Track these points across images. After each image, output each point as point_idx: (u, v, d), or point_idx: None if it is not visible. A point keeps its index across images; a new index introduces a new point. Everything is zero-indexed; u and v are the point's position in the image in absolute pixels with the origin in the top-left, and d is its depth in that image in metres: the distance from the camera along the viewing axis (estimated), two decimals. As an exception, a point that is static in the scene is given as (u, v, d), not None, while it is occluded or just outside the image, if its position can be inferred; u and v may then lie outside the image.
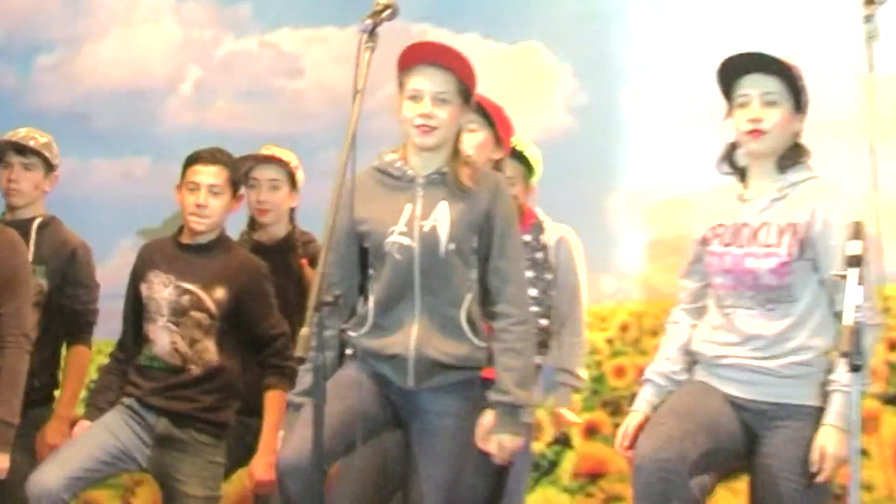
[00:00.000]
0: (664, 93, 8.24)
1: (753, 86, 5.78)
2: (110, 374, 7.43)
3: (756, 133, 5.68)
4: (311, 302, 5.20)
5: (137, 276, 7.29)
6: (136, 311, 7.24)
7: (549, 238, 6.98)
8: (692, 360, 5.98)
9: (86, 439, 7.10)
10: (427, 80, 5.81)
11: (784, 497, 5.65)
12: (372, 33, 5.41)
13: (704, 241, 5.86)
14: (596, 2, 9.00)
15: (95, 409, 7.31)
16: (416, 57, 5.82)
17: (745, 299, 5.76)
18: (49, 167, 7.82)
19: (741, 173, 5.88)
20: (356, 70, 5.38)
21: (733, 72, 5.85)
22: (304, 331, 5.14)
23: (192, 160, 7.26)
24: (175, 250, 7.24)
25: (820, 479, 5.54)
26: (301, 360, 5.23)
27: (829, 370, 5.61)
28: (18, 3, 9.37)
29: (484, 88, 7.70)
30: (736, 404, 5.78)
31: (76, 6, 9.25)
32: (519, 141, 7.13)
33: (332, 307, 5.21)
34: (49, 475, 6.80)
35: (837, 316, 5.29)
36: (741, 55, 5.88)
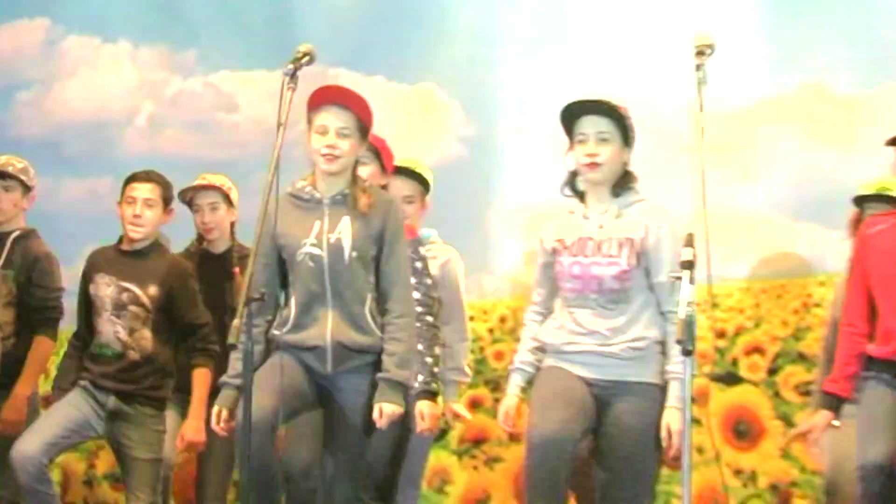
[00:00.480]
0: (536, 126, 8.18)
1: (590, 125, 5.92)
2: (69, 359, 7.55)
3: (593, 165, 5.87)
4: (241, 298, 5.45)
5: (86, 278, 7.45)
6: (87, 307, 7.41)
7: (438, 257, 7.12)
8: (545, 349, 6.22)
9: (55, 413, 7.27)
10: (332, 117, 5.94)
11: (624, 457, 5.80)
12: (293, 76, 5.71)
13: (554, 252, 6.04)
14: (481, 50, 8.85)
15: (60, 390, 7.47)
16: (323, 98, 5.96)
17: (589, 300, 5.92)
18: (26, 188, 7.95)
19: (580, 196, 6.04)
20: (280, 106, 5.65)
21: (573, 114, 6.00)
22: (236, 322, 5.40)
23: (130, 179, 7.42)
24: (116, 255, 7.40)
25: (672, 452, 5.74)
26: (233, 347, 5.49)
27: (662, 355, 5.88)
28: (2, 47, 9.34)
29: (388, 122, 8.30)
30: (586, 382, 5.90)
31: (49, 51, 9.30)
32: (416, 163, 7.28)
33: (260, 303, 5.50)
34: (29, 443, 6.97)
35: (662, 314, 5.91)
36: (579, 100, 6.04)
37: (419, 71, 8.95)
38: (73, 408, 7.27)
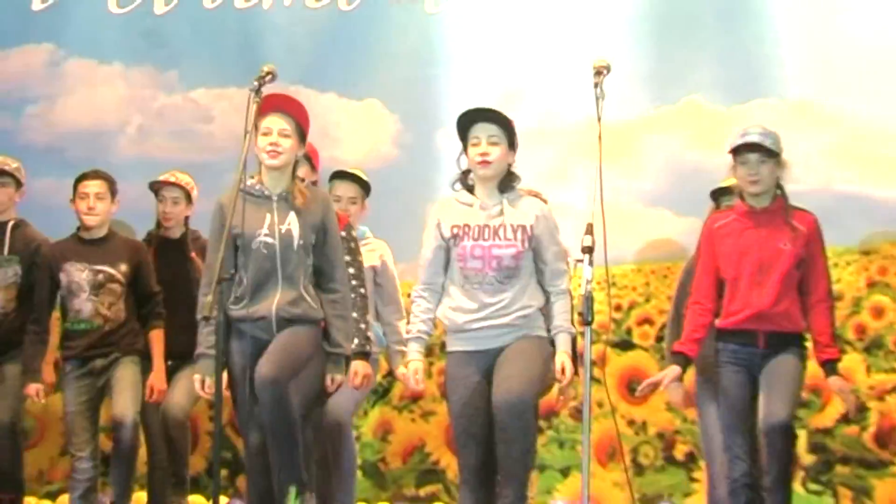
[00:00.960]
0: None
1: (482, 130, 6.02)
2: (35, 344, 7.51)
3: (484, 163, 5.99)
4: (214, 278, 5.73)
5: (53, 269, 7.45)
6: (52, 294, 7.47)
7: (375, 250, 7.31)
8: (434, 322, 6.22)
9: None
10: (275, 120, 6.06)
11: (510, 370, 5.84)
12: (258, 91, 5.85)
13: (454, 237, 6.08)
14: (417, 70, 8.81)
15: (35, 372, 7.49)
16: (268, 105, 6.05)
17: (488, 277, 5.99)
18: (19, 184, 7.96)
19: (471, 190, 6.12)
20: (247, 117, 5.80)
21: (468, 121, 6.11)
22: (209, 298, 5.70)
23: (81, 178, 7.52)
24: (79, 245, 7.48)
25: (564, 383, 6.16)
26: (206, 319, 5.89)
27: (543, 317, 6.03)
28: (13, 68, 9.14)
29: (339, 131, 8.64)
30: (482, 353, 5.99)
31: (53, 72, 9.11)
32: (360, 171, 7.46)
33: (229, 282, 5.87)
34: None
35: (543, 288, 6.03)
36: (474, 109, 6.15)
37: (365, 88, 8.88)
38: (76, 399, 7.38)
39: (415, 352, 6.26)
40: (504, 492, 6.16)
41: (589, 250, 5.47)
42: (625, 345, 8.55)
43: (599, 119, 5.70)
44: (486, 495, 6.21)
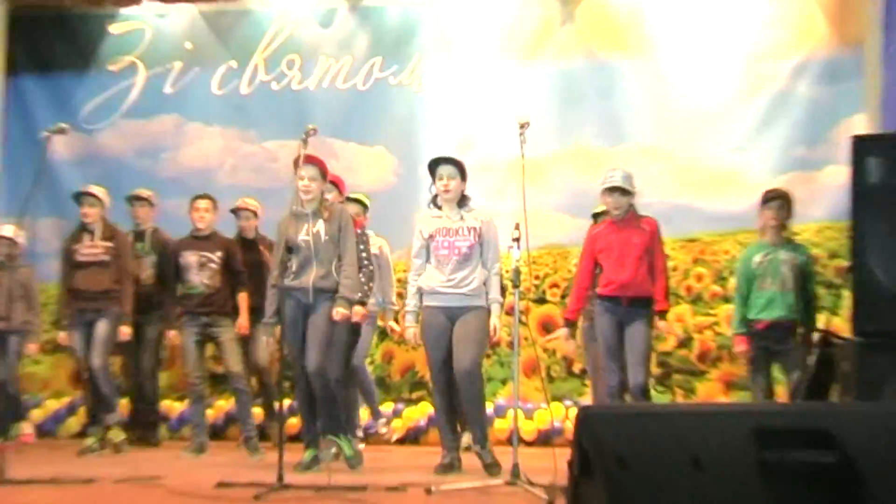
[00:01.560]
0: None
1: (444, 170, 6.59)
2: (170, 304, 8.03)
3: (447, 192, 6.58)
4: (277, 263, 6.40)
5: (175, 255, 7.94)
6: (176, 271, 7.91)
7: (374, 244, 7.64)
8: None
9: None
10: (306, 170, 6.57)
11: (469, 332, 6.48)
12: (305, 142, 6.25)
13: (431, 237, 6.60)
14: (408, 126, 9.20)
15: (171, 322, 8.05)
16: (305, 160, 6.43)
17: (452, 259, 6.56)
18: (152, 205, 8.49)
19: (439, 208, 6.66)
20: (298, 160, 6.39)
21: (434, 164, 6.66)
22: (276, 274, 6.41)
23: (196, 198, 7.95)
24: (191, 240, 7.91)
25: (496, 339, 6.67)
26: (274, 286, 6.50)
27: (486, 293, 6.55)
28: (153, 129, 9.58)
29: (358, 167, 8.93)
30: (446, 309, 6.58)
31: (178, 131, 9.52)
32: (363, 195, 7.88)
33: (285, 265, 6.42)
34: None
35: (486, 270, 6.54)
36: (438, 157, 6.70)
37: (375, 139, 9.26)
38: (188, 341, 7.86)
39: (410, 321, 6.71)
40: (471, 431, 6.69)
41: (517, 240, 5.92)
42: (540, 301, 8.94)
43: (523, 156, 6.16)
44: (449, 394, 6.68)
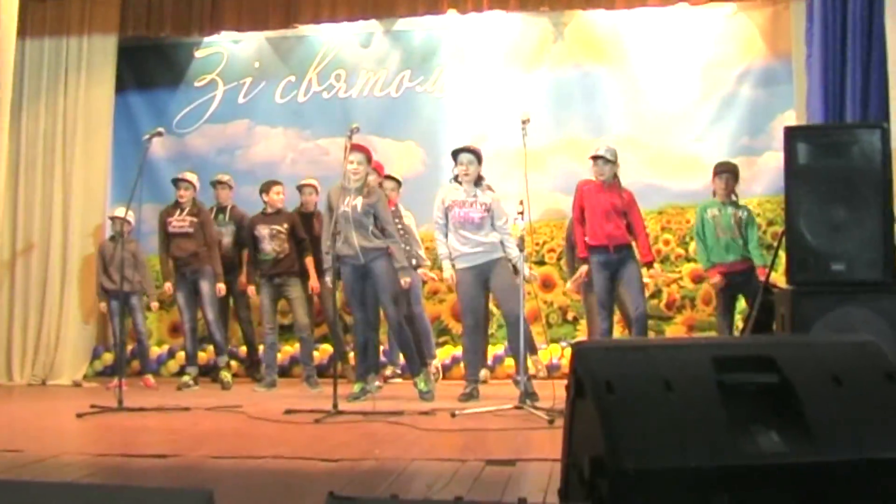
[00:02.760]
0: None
1: (464, 157, 6.66)
2: (249, 267, 8.10)
3: (466, 174, 6.62)
4: (332, 232, 6.32)
5: (251, 228, 8.03)
6: (253, 241, 7.97)
7: (404, 218, 7.70)
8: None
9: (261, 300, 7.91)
10: (355, 156, 6.60)
11: (510, 297, 6.38)
12: (350, 137, 6.30)
13: (449, 207, 6.63)
14: (433, 124, 9.13)
15: (252, 281, 8.13)
16: (351, 148, 6.48)
17: (466, 225, 6.60)
18: (230, 188, 8.51)
19: (460, 184, 6.66)
20: (345, 151, 6.46)
21: (457, 152, 6.73)
22: (328, 242, 6.37)
23: (271, 184, 8.07)
24: (263, 216, 7.99)
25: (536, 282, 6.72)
26: (328, 253, 6.46)
27: (505, 248, 6.54)
28: (229, 132, 9.59)
29: (394, 158, 8.73)
30: (473, 268, 6.59)
31: (249, 133, 9.52)
32: (397, 175, 7.95)
33: (337, 235, 6.34)
34: None
35: (498, 233, 6.57)
36: (459, 147, 6.76)
37: (406, 135, 9.19)
38: (265, 298, 7.92)
39: (447, 269, 6.68)
40: (516, 363, 6.61)
41: (521, 213, 5.90)
42: (540, 262, 8.83)
43: (525, 146, 6.14)
44: (475, 335, 6.76)
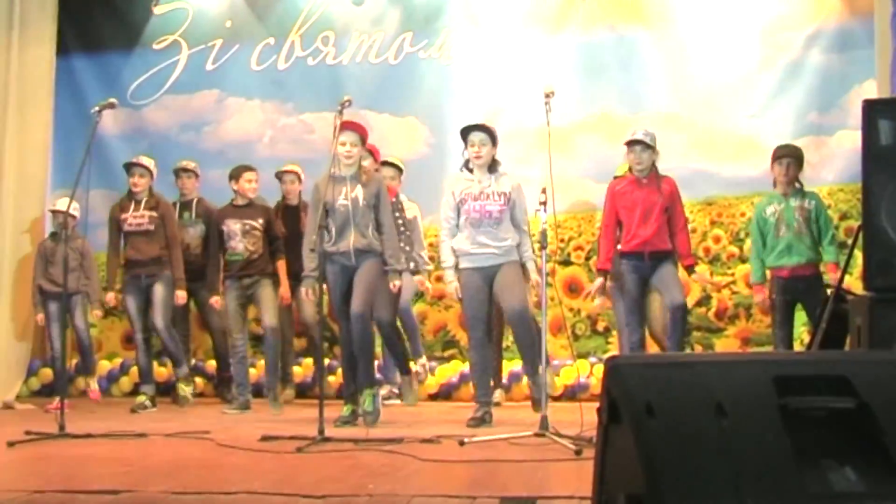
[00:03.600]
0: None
1: (475, 137, 6.61)
2: (214, 272, 8.06)
3: (478, 158, 6.60)
4: (316, 227, 6.28)
5: (218, 223, 8.01)
6: (220, 238, 7.96)
7: (408, 210, 7.72)
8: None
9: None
10: (347, 136, 6.58)
11: (511, 294, 6.52)
12: (340, 113, 6.26)
13: (462, 201, 6.61)
14: (437, 97, 9.24)
15: (215, 288, 8.07)
16: (344, 126, 6.50)
17: (483, 222, 6.58)
18: (197, 176, 8.62)
19: (471, 171, 6.67)
20: (334, 129, 6.33)
21: (467, 130, 6.67)
22: (314, 237, 6.25)
23: (244, 169, 8.05)
24: (234, 208, 7.99)
25: (534, 293, 6.67)
26: (312, 250, 6.36)
27: (517, 249, 6.58)
28: (195, 104, 9.67)
29: (391, 136, 8.81)
30: (482, 270, 6.60)
31: (219, 106, 9.62)
32: (397, 159, 7.98)
33: (322, 229, 6.31)
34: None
35: (517, 229, 6.56)
36: (470, 124, 6.70)
37: (406, 110, 9.29)
38: (231, 305, 7.93)
39: (451, 275, 6.70)
40: (524, 365, 6.87)
41: (544, 203, 5.84)
42: (566, 263, 8.95)
43: (549, 124, 6.10)
44: (484, 350, 6.75)
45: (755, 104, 8.73)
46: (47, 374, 9.08)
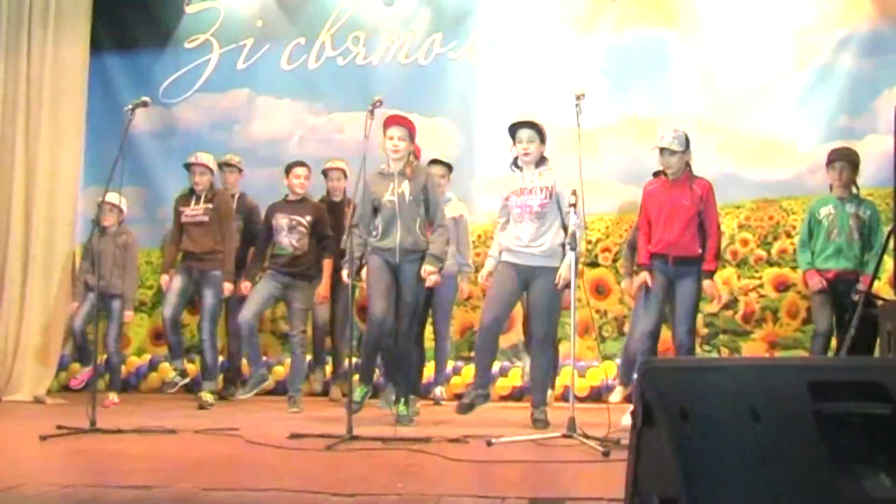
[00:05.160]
0: (497, 140, 8.32)
1: (523, 133, 6.60)
2: (256, 262, 8.21)
3: (526, 155, 6.60)
4: (367, 222, 6.61)
5: (268, 217, 8.04)
6: (268, 231, 8.02)
7: (454, 211, 7.76)
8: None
9: (256, 292, 7.88)
10: (395, 131, 6.69)
11: (544, 302, 6.52)
12: (371, 113, 6.20)
13: (507, 198, 6.66)
14: (467, 98, 9.25)
15: (253, 275, 8.18)
16: (390, 121, 6.69)
17: (525, 216, 6.59)
18: (239, 171, 8.70)
19: (520, 169, 6.66)
20: (365, 128, 6.16)
21: (514, 127, 6.64)
22: (355, 220, 6.41)
23: (294, 165, 8.08)
24: (285, 204, 8.03)
25: (565, 290, 6.37)
26: (351, 228, 6.23)
27: (562, 249, 6.24)
28: (227, 102, 9.74)
29: (422, 136, 8.13)
30: (518, 266, 6.60)
31: (250, 104, 9.69)
32: (447, 158, 8.01)
33: (355, 227, 6.46)
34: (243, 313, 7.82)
35: (565, 227, 6.27)
36: (518, 120, 6.66)
37: (436, 110, 9.23)
38: (264, 288, 7.93)
39: (487, 265, 6.81)
40: (532, 394, 6.72)
41: (573, 205, 5.91)
42: (593, 265, 8.89)
43: (578, 126, 6.12)
44: (489, 337, 6.70)
45: (784, 107, 8.69)
46: (76, 369, 9.05)
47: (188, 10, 9.89)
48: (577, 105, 6.24)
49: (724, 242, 8.33)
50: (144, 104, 6.82)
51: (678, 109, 8.77)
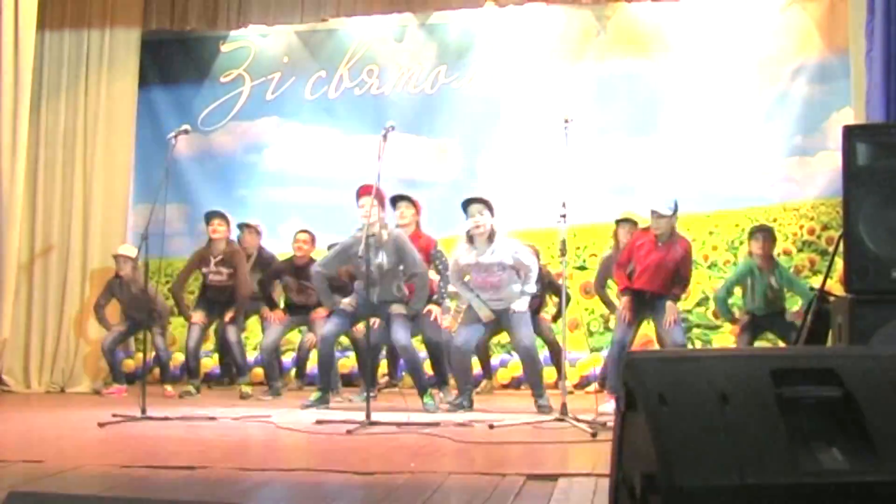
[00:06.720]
0: (495, 161, 8.95)
1: (475, 209, 6.54)
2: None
3: (478, 227, 6.52)
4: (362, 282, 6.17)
5: (280, 274, 8.01)
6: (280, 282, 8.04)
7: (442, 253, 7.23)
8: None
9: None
10: (364, 200, 6.41)
11: (519, 331, 6.54)
12: (385, 137, 6.05)
13: (464, 271, 6.65)
14: (468, 121, 9.16)
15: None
16: (362, 191, 6.49)
17: (487, 289, 6.62)
18: (258, 234, 8.50)
19: (472, 242, 6.58)
20: (378, 150, 6.06)
21: (467, 203, 6.60)
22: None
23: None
24: (291, 266, 7.95)
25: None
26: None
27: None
28: (257, 129, 9.69)
29: (427, 158, 8.75)
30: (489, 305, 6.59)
31: (277, 130, 9.62)
32: (409, 196, 7.42)
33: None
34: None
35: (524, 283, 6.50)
36: (469, 198, 6.66)
37: (441, 133, 9.25)
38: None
39: (482, 306, 6.64)
40: (533, 389, 6.64)
41: (563, 216, 5.87)
42: (581, 268, 8.87)
43: (566, 146, 6.03)
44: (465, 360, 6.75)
45: (748, 128, 8.72)
46: (130, 364, 9.13)
47: (223, 48, 9.89)
48: (565, 128, 6.17)
49: (696, 247, 8.18)
50: (186, 132, 6.87)
51: (656, 130, 8.85)
